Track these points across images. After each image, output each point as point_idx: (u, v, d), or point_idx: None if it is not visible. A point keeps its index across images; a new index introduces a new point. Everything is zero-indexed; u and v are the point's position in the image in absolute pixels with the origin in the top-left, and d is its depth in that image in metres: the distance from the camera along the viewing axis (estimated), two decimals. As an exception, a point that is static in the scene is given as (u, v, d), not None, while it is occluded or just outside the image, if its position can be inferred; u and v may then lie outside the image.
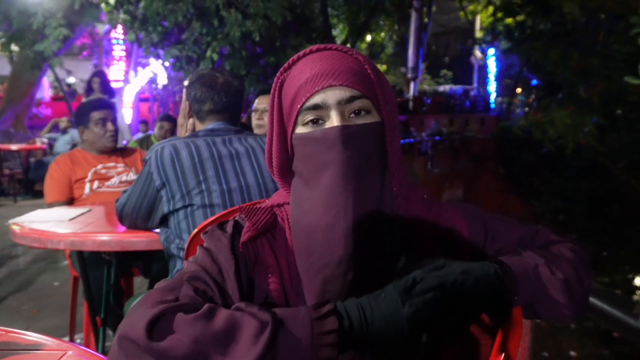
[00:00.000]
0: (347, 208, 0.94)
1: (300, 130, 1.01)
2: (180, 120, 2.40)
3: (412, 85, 21.03)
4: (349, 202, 0.94)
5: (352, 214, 0.94)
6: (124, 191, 2.24)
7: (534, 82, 18.57)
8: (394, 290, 0.82)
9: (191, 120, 2.33)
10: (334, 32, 23.39)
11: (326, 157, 0.96)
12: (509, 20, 19.84)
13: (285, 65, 1.04)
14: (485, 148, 15.50)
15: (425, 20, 23.14)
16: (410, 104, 19.83)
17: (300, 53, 1.04)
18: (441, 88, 26.21)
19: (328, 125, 0.98)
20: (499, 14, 19.95)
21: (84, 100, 6.37)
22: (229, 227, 1.08)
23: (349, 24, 21.40)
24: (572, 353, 6.19)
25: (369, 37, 26.64)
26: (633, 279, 9.97)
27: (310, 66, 1.00)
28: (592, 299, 1.15)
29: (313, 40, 12.86)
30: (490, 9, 20.83)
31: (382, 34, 26.56)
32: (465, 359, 1.12)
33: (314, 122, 0.99)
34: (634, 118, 11.95)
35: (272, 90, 1.05)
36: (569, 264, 1.04)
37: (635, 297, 9.39)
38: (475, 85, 24.96)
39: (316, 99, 0.97)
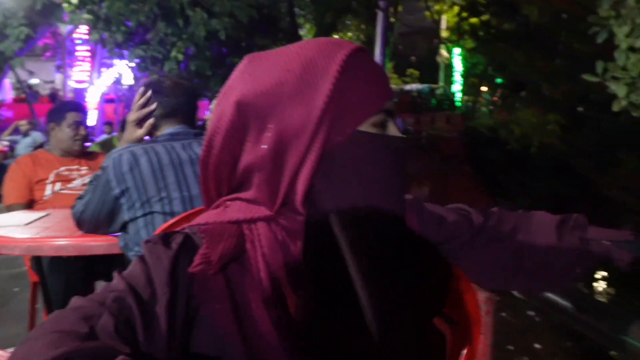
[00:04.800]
0: (395, 218, 0.93)
1: (366, 129, 0.92)
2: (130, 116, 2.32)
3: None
4: (396, 212, 0.94)
5: (396, 224, 0.94)
6: (79, 197, 2.19)
7: (499, 80, 18.83)
8: None
9: (151, 120, 2.29)
10: (301, 32, 23.39)
11: (394, 166, 0.94)
12: (474, 20, 20.08)
13: (346, 52, 0.92)
14: (451, 146, 15.65)
15: (392, 20, 23.29)
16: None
17: (355, 45, 0.96)
18: (408, 87, 26.42)
19: (395, 133, 0.95)
20: (464, 14, 20.18)
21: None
22: (175, 243, 0.87)
23: (316, 24, 21.39)
24: (537, 346, 6.30)
25: (336, 37, 26.69)
26: (595, 273, 10.18)
27: (378, 68, 0.97)
28: (549, 295, 1.17)
29: (279, 40, 12.84)
30: (456, 8, 21.05)
31: (349, 34, 26.65)
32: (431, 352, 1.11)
33: (381, 128, 0.94)
34: (597, 117, 12.19)
35: (323, 76, 0.89)
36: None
37: (598, 289, 9.60)
38: (441, 84, 25.22)
39: (390, 105, 0.95)
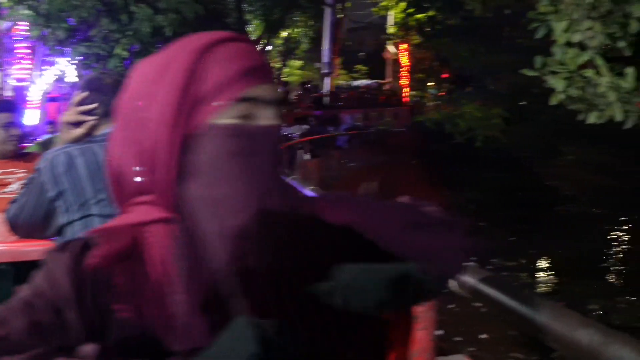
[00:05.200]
0: (263, 213, 0.89)
1: (224, 120, 0.89)
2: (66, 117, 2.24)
3: (325, 80, 21.21)
4: (265, 206, 0.89)
5: (264, 219, 0.90)
6: (12, 201, 2.11)
7: (444, 75, 19.16)
8: None
9: (91, 119, 2.22)
10: (249, 28, 23.23)
11: (257, 158, 0.90)
12: (420, 16, 20.35)
13: (204, 42, 0.91)
14: (399, 141, 15.84)
15: (340, 16, 23.39)
16: (326, 98, 20.01)
17: (220, 35, 0.94)
18: (356, 83, 26.60)
19: (263, 122, 0.91)
20: (410, 10, 20.43)
21: None
22: (75, 247, 0.90)
23: (265, 20, 21.29)
24: (483, 336, 6.45)
25: (285, 33, 26.64)
26: (537, 261, 10.50)
27: (244, 54, 0.92)
28: (483, 286, 1.18)
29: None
30: (402, 4, 21.28)
31: (298, 30, 26.62)
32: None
33: (244, 118, 0.90)
34: (538, 110, 12.54)
35: (176, 68, 0.90)
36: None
37: (540, 278, 9.90)
38: (388, 79, 25.47)
39: (254, 92, 0.90)
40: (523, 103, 12.54)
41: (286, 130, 10.98)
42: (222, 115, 0.89)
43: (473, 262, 1.27)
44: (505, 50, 13.82)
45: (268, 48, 27.66)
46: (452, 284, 1.26)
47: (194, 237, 0.88)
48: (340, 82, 26.27)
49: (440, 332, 5.27)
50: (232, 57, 0.91)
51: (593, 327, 0.91)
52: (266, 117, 0.91)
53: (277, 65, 29.28)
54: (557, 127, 13.43)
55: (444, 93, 19.50)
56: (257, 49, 0.97)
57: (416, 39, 20.95)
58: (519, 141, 14.06)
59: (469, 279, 1.22)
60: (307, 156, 10.22)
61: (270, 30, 23.16)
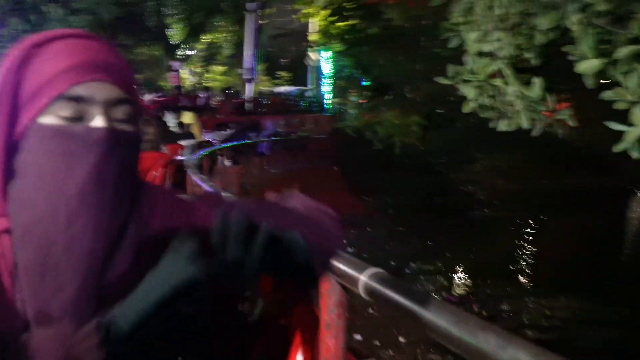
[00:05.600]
0: (98, 220, 0.84)
1: (49, 120, 0.85)
2: None
3: (248, 86, 21.10)
4: (101, 214, 0.84)
5: (102, 227, 0.84)
6: None
7: (365, 83, 19.45)
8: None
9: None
10: (169, 32, 22.78)
11: (83, 161, 0.83)
12: (341, 24, 20.59)
13: (37, 39, 0.87)
14: (321, 148, 15.96)
15: (262, 22, 23.33)
16: (248, 104, 19.89)
17: (60, 32, 0.88)
18: (278, 89, 26.60)
19: (93, 124, 0.85)
20: (332, 18, 20.64)
21: None
22: None
23: (186, 24, 20.94)
24: (401, 339, 6.56)
25: (207, 38, 26.32)
26: (455, 266, 10.81)
27: (76, 50, 0.86)
28: (388, 291, 1.18)
29: (145, 40, 12.42)
30: (324, 12, 21.48)
31: (219, 35, 26.36)
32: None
33: (72, 118, 0.85)
34: (453, 117, 12.95)
35: (7, 63, 0.86)
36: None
37: (456, 281, 10.19)
38: (310, 86, 25.62)
39: (81, 90, 0.84)
40: (439, 111, 12.91)
41: (207, 136, 10.81)
42: (46, 114, 0.84)
43: (376, 267, 1.27)
44: (422, 59, 14.20)
45: (190, 53, 27.26)
46: (361, 290, 1.25)
47: (27, 243, 0.83)
48: (263, 88, 26.22)
49: (358, 337, 5.30)
50: (60, 54, 0.86)
51: (492, 330, 0.92)
52: (101, 119, 0.86)
53: (199, 70, 28.88)
54: (471, 134, 13.91)
55: (364, 100, 19.79)
56: (105, 46, 0.91)
57: (338, 46, 21.17)
58: (436, 147, 14.48)
59: (373, 284, 1.21)
60: (228, 163, 10.11)
61: (192, 35, 22.83)
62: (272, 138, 13.91)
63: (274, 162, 12.71)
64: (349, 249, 10.65)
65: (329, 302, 1.40)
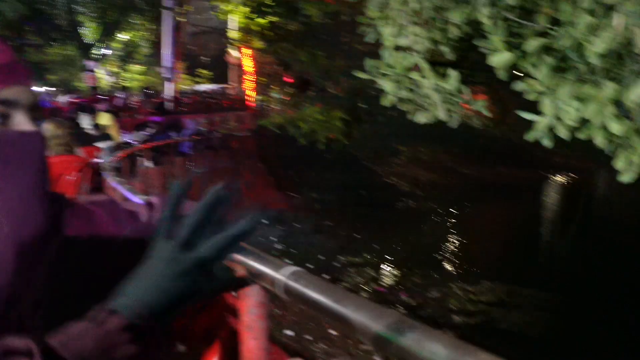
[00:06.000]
0: (27, 225, 0.80)
1: None
2: None
3: (168, 85, 20.68)
4: (29, 219, 0.81)
5: (27, 233, 0.81)
6: None
7: (287, 80, 19.43)
8: None
9: None
10: (82, 31, 21.95)
11: (20, 166, 0.81)
12: (261, 21, 20.45)
13: None
14: (244, 145, 15.83)
15: (180, 19, 22.88)
16: (168, 104, 19.46)
17: None
18: (199, 87, 26.20)
19: (21, 127, 0.82)
20: (252, 15, 20.47)
21: None
22: None
23: (100, 22, 20.24)
24: (333, 332, 6.59)
25: (124, 37, 25.58)
26: (382, 258, 10.98)
27: None
28: (301, 288, 1.16)
29: (58, 40, 11.91)
30: (243, 9, 21.28)
31: (137, 34, 25.67)
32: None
33: None
34: (376, 111, 13.12)
35: None
36: None
37: (385, 272, 10.36)
38: (232, 84, 25.38)
39: (5, 94, 0.81)
40: (361, 105, 13.06)
41: (126, 138, 10.48)
42: None
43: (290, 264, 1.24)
44: (343, 54, 14.34)
45: (106, 52, 26.37)
46: (280, 290, 1.23)
47: None
48: (184, 86, 25.72)
49: (290, 332, 5.28)
50: None
51: (409, 324, 0.91)
52: (23, 121, 0.83)
53: (116, 70, 28.01)
54: (393, 127, 14.17)
55: (287, 97, 19.78)
56: (8, 47, 0.87)
57: (258, 43, 21.03)
58: (360, 142, 14.66)
59: (291, 283, 1.19)
60: (148, 164, 9.83)
61: (107, 33, 22.11)
62: (194, 137, 13.67)
63: (196, 161, 12.48)
64: (278, 246, 10.62)
65: (248, 303, 1.36)
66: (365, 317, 0.96)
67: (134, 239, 0.96)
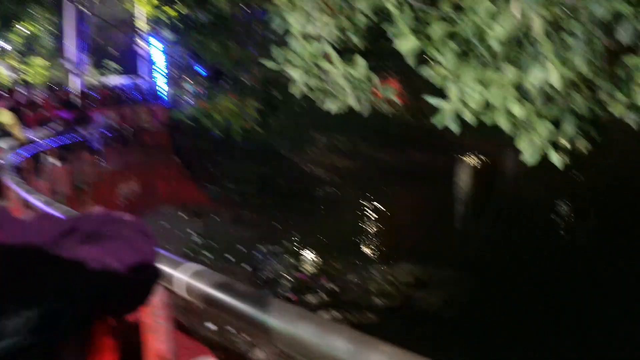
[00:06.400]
0: None
1: None
2: None
3: (75, 79, 19.86)
4: None
5: None
6: None
7: (200, 71, 19.09)
8: None
9: None
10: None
11: None
12: (171, 12, 19.94)
13: None
14: (157, 139, 15.40)
15: (85, 10, 21.96)
16: (75, 98, 18.65)
17: None
18: (108, 81, 25.25)
19: None
20: (161, 6, 19.94)
21: None
22: None
23: (-4, 13, 19.10)
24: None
25: (25, 29, 24.26)
26: (303, 245, 11.03)
27: None
28: (203, 287, 1.13)
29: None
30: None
31: (38, 25, 24.42)
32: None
33: None
34: (289, 100, 13.10)
35: None
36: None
37: (305, 259, 10.42)
38: (143, 76, 24.66)
39: None
40: (276, 95, 13.00)
41: (30, 135, 9.92)
42: None
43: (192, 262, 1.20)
44: (255, 44, 14.20)
45: (5, 46, 24.94)
46: (181, 290, 1.18)
47: None
48: (91, 80, 24.72)
49: (212, 326, 5.18)
50: None
51: (310, 319, 0.89)
52: None
53: (17, 64, 26.56)
54: (310, 116, 14.19)
55: (199, 89, 19.42)
56: None
57: (169, 35, 20.52)
58: (277, 132, 14.60)
59: (193, 283, 1.14)
60: (55, 161, 9.36)
61: (4, 25, 20.92)
62: (104, 132, 13.13)
63: (107, 157, 12.01)
64: (196, 239, 10.43)
65: (151, 306, 1.30)
66: (266, 312, 0.93)
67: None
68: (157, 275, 0.95)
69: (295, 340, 0.88)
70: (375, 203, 13.77)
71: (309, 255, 10.73)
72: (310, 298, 8.89)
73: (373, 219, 12.97)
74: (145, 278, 0.91)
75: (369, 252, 11.16)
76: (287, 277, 9.63)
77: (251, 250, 10.61)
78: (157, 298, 1.30)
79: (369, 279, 9.53)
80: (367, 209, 13.45)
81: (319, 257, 10.62)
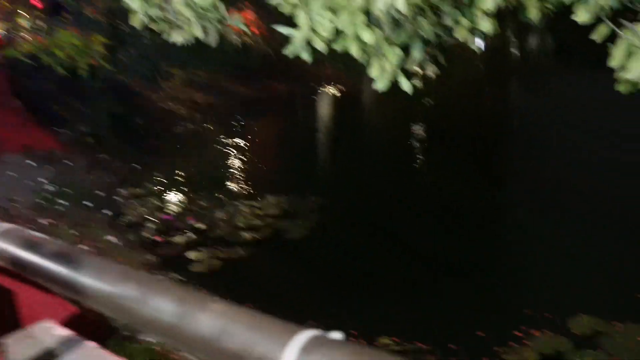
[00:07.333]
0: None
1: None
2: None
3: None
4: None
5: None
6: None
7: (35, 3, 17.41)
8: None
9: None
10: None
11: None
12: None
13: None
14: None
15: None
16: None
17: None
18: None
19: None
20: None
21: None
22: None
23: None
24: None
25: None
26: (166, 186, 10.72)
27: None
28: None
29: None
30: None
31: None
32: None
33: None
34: (138, 34, 12.38)
35: None
36: None
37: (170, 199, 10.15)
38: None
39: None
40: (123, 28, 12.20)
41: None
42: None
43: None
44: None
45: None
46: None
47: None
48: None
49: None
50: None
51: (134, 279, 0.79)
52: None
53: None
54: (162, 49, 13.51)
55: (37, 23, 17.75)
56: None
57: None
58: (127, 67, 13.80)
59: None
60: None
61: None
62: None
63: None
64: (49, 187, 9.76)
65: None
66: (85, 274, 0.82)
67: None
68: None
69: (114, 302, 0.77)
70: (237, 138, 13.63)
71: (173, 195, 10.46)
72: (178, 239, 8.75)
73: (236, 154, 12.85)
74: None
75: (235, 188, 11.09)
76: (152, 219, 9.35)
77: (111, 195, 10.15)
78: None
79: (236, 214, 9.52)
80: (229, 145, 13.28)
81: (184, 196, 10.40)
